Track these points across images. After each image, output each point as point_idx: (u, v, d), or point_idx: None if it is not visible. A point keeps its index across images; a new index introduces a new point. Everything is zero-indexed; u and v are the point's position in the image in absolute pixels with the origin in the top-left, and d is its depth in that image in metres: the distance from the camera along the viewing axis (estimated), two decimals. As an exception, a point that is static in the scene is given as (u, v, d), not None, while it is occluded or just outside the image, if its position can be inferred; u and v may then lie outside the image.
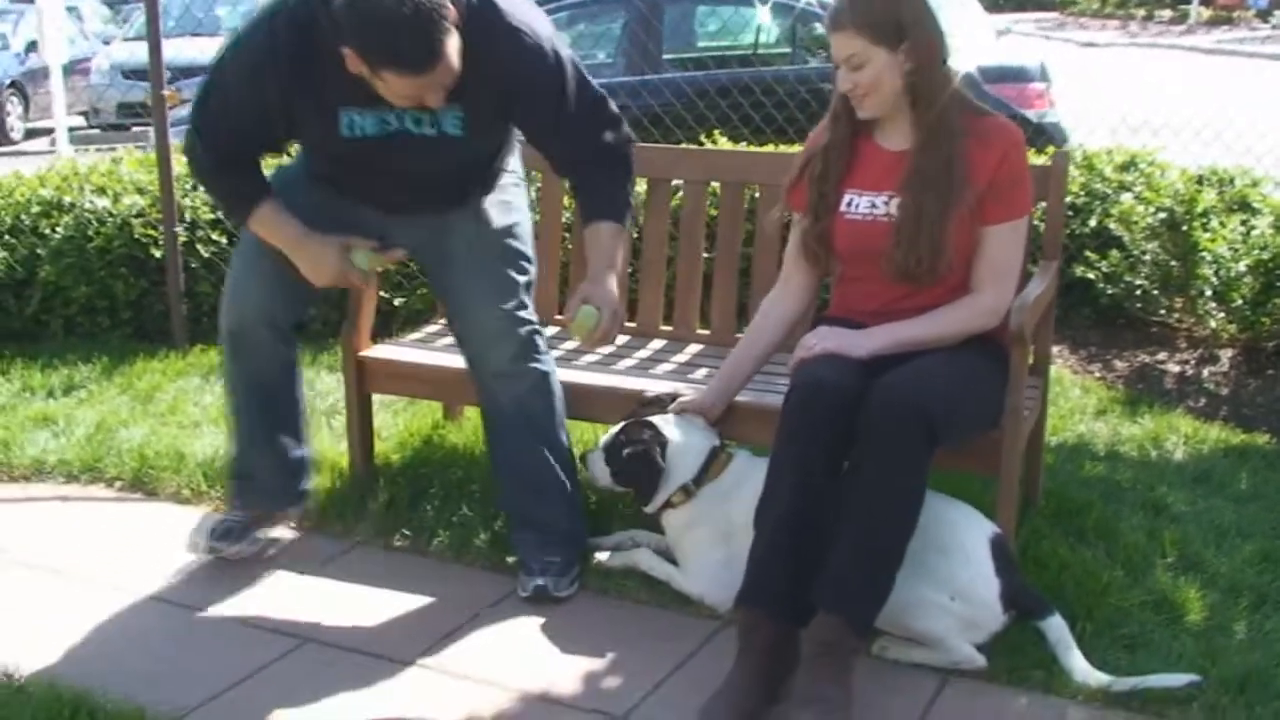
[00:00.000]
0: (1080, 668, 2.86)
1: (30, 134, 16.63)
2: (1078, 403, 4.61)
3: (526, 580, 3.32)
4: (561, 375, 3.55)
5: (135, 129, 12.25)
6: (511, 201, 3.53)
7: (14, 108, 16.68)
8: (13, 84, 16.65)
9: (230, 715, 2.80)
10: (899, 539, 2.80)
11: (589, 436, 4.00)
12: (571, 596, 3.32)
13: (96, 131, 15.29)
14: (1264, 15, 34.74)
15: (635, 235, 4.18)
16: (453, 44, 2.91)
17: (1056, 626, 2.93)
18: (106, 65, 15.05)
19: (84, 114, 15.71)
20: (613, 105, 3.31)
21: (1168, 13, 38.21)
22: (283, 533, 3.67)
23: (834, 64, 3.08)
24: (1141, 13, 39.01)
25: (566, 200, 4.43)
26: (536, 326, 3.45)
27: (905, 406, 2.80)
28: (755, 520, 2.92)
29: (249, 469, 3.56)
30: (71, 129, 12.95)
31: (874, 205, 3.10)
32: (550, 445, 3.45)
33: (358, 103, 3.09)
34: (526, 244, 3.52)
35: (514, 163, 3.59)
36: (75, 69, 14.51)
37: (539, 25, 3.16)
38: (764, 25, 8.50)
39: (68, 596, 3.36)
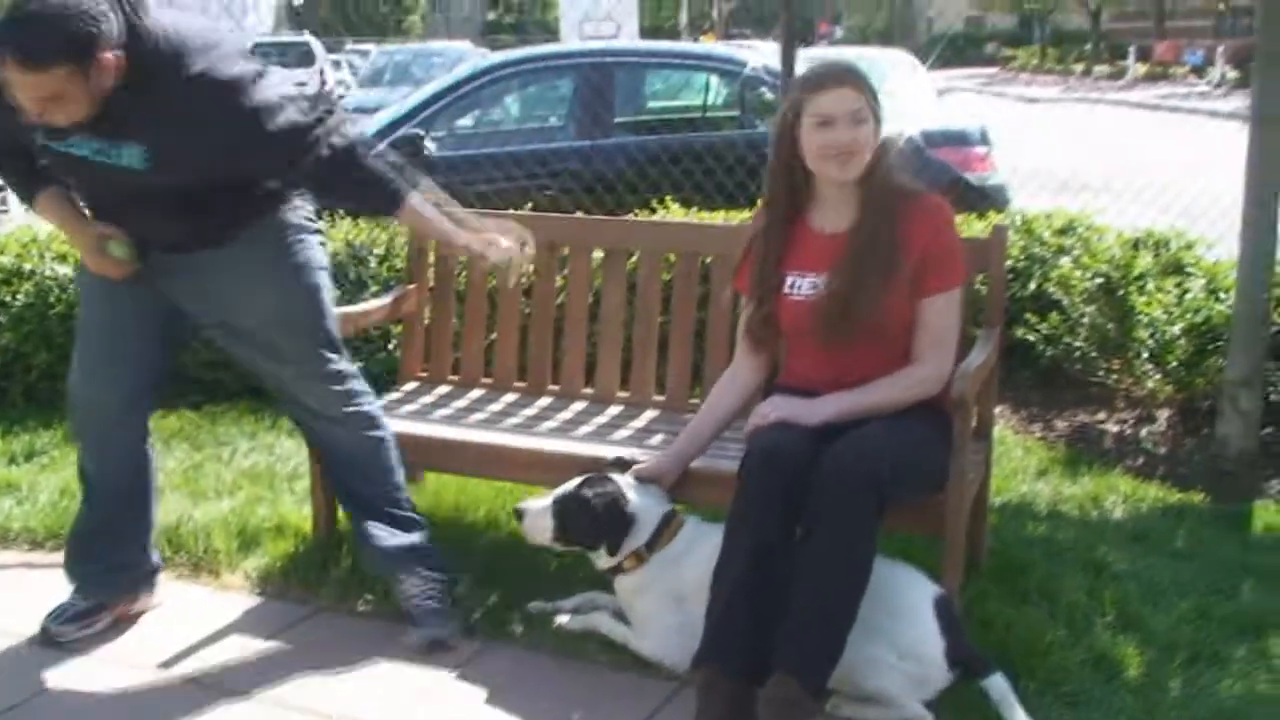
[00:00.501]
0: (1024, 723, 2.98)
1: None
2: (1020, 463, 4.76)
3: (415, 631, 3.49)
4: (519, 442, 3.69)
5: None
6: (304, 245, 3.53)
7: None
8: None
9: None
10: (851, 601, 2.92)
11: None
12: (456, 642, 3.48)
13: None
14: (1199, 71, 35.56)
15: (592, 301, 4.30)
16: (67, 72, 2.89)
17: (998, 685, 3.04)
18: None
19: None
20: (315, 128, 3.24)
21: (1105, 68, 39.06)
22: (240, 599, 3.76)
23: (824, 121, 3.16)
24: (1080, 68, 39.84)
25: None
26: (347, 370, 3.62)
27: (854, 474, 2.94)
28: (713, 581, 3.04)
29: (92, 554, 3.63)
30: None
31: (815, 285, 3.25)
32: (384, 477, 3.66)
33: None
34: (325, 293, 3.57)
35: (299, 210, 3.56)
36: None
37: (222, 66, 3.13)
38: (712, 88, 8.67)
39: (25, 662, 3.43)
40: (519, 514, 3.48)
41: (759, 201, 3.51)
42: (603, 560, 3.39)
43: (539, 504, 3.44)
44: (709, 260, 4.12)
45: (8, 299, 5.55)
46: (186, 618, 3.66)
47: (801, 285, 3.28)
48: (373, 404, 3.69)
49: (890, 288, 3.17)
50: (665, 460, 3.48)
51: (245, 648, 3.50)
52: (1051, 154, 8.44)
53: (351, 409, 3.61)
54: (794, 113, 3.22)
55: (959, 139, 8.05)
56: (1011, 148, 8.44)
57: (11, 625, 3.63)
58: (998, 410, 5.23)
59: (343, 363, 3.61)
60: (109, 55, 2.95)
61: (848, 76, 3.20)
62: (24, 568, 4.03)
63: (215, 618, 3.67)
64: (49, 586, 3.70)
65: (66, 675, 3.38)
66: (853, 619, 2.91)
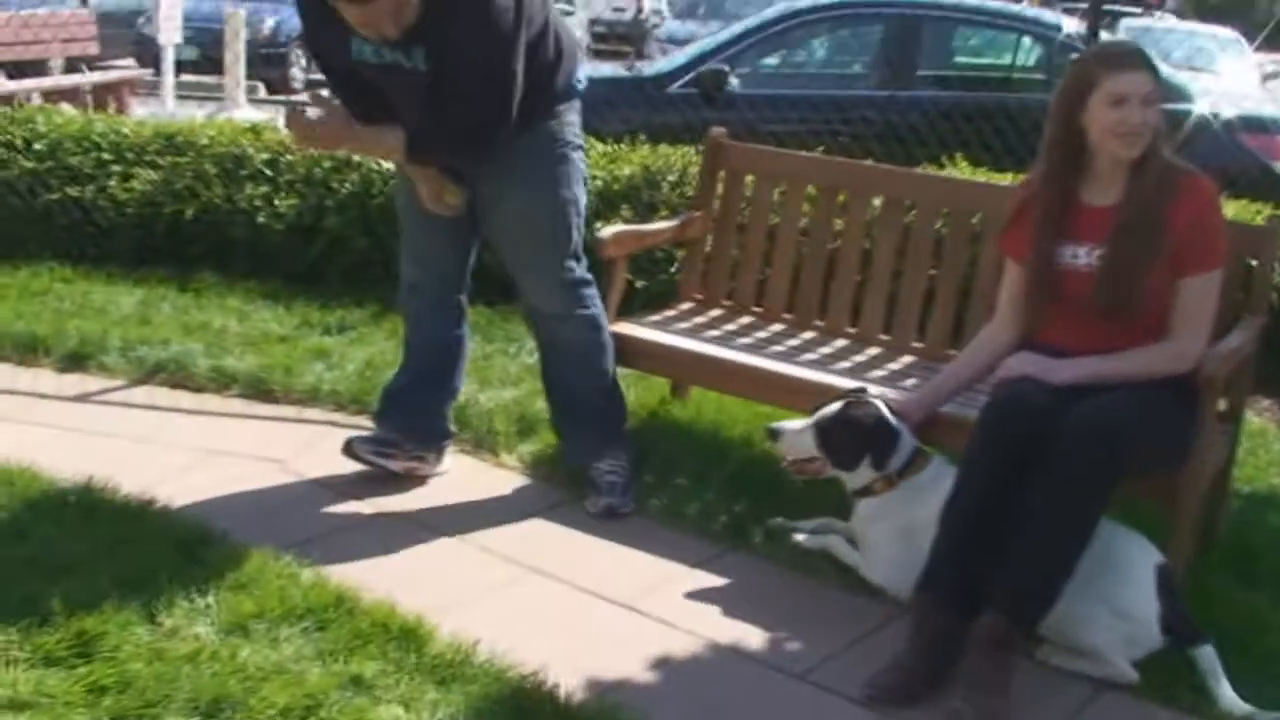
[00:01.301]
0: (1228, 695, 3.08)
1: (312, 84, 17.66)
2: (1275, 456, 4.74)
3: (596, 499, 3.96)
4: (780, 368, 3.96)
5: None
6: (561, 156, 3.89)
7: (299, 59, 17.74)
8: (300, 36, 17.72)
9: (462, 623, 3.26)
10: (1072, 555, 3.08)
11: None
12: (630, 513, 3.94)
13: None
14: None
15: (866, 248, 4.50)
16: None
17: (1208, 656, 3.15)
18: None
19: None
20: (499, 116, 3.60)
21: None
22: (513, 478, 4.19)
23: (1117, 100, 3.28)
24: None
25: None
26: (583, 277, 3.98)
27: (1097, 435, 3.09)
28: (941, 517, 3.24)
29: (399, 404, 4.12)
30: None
31: (1080, 255, 3.37)
32: (596, 376, 4.08)
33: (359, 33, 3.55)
34: (575, 206, 3.92)
35: (567, 126, 3.92)
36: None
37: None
38: (1022, 49, 8.63)
39: (320, 503, 3.93)
40: (774, 433, 3.70)
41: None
42: (858, 478, 3.59)
43: (797, 424, 3.67)
44: (979, 218, 4.27)
45: (335, 185, 6.09)
46: (465, 487, 4.09)
47: (1068, 254, 3.40)
48: (599, 309, 4.07)
49: (1151, 262, 3.28)
50: (915, 399, 3.68)
51: (513, 519, 3.90)
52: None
53: (580, 311, 4.00)
54: (1086, 87, 3.33)
55: (1270, 126, 7.82)
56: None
57: (310, 470, 4.14)
58: (1266, 404, 5.22)
59: (579, 270, 3.99)
60: None
61: (1142, 59, 3.32)
62: (328, 425, 4.52)
63: (491, 490, 4.09)
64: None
65: (359, 520, 3.84)
66: (1071, 571, 3.08)
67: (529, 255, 3.95)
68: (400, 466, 4.07)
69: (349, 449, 4.02)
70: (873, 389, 3.80)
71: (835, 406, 3.61)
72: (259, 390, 4.76)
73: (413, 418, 4.10)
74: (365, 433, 4.12)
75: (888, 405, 3.62)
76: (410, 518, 3.88)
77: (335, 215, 6.03)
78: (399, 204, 4.09)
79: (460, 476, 4.17)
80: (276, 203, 6.11)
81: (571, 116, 3.94)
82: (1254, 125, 7.58)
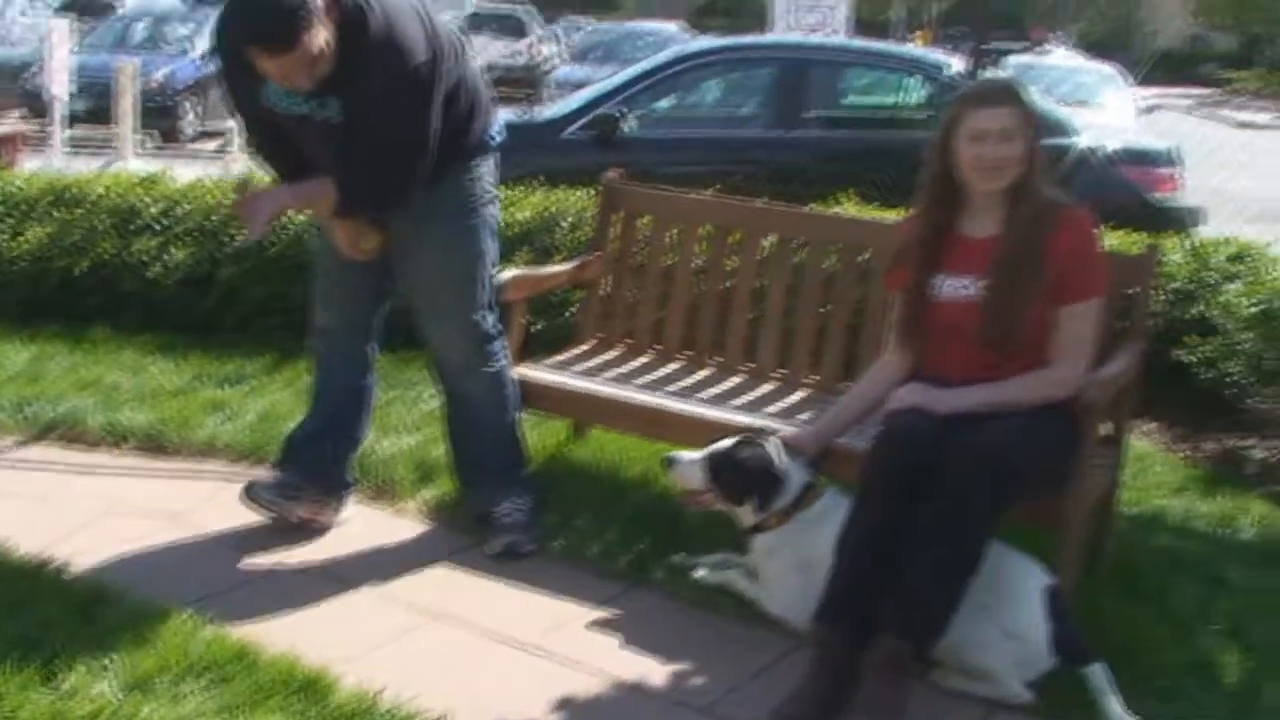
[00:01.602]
0: (1117, 712, 3.16)
1: (200, 135, 17.53)
2: (1160, 478, 4.89)
3: (495, 539, 3.97)
4: (679, 406, 4.01)
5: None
6: (474, 211, 3.96)
7: (190, 110, 17.62)
8: (191, 87, 17.60)
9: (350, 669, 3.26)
10: (963, 580, 3.17)
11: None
12: (532, 553, 3.96)
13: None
14: None
15: (760, 285, 4.59)
16: (312, 35, 3.40)
17: (1099, 674, 3.23)
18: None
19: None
20: (414, 164, 3.68)
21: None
22: (414, 524, 4.20)
23: (975, 136, 3.42)
24: (1307, 94, 38.28)
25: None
26: (490, 331, 4.03)
27: (983, 463, 3.19)
28: (836, 547, 3.32)
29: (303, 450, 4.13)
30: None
31: (964, 287, 3.48)
32: (501, 430, 4.13)
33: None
34: (486, 259, 4.00)
35: (481, 179, 3.98)
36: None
37: (406, 46, 3.55)
38: (908, 89, 8.81)
39: (221, 558, 3.90)
40: (669, 462, 3.75)
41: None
42: (748, 516, 3.66)
43: (691, 455, 3.72)
44: (869, 255, 4.38)
45: (229, 236, 6.07)
46: (367, 535, 4.09)
47: (950, 286, 3.51)
48: (506, 362, 4.12)
49: (1032, 293, 3.39)
50: (810, 433, 3.76)
51: (416, 565, 3.91)
52: (1261, 180, 8.36)
53: (487, 366, 4.05)
54: (953, 123, 3.46)
55: (1148, 158, 8.08)
56: (1219, 172, 8.40)
57: (209, 524, 4.11)
58: (1147, 427, 5.38)
59: (488, 323, 4.04)
60: (325, 19, 3.44)
61: (1005, 95, 3.45)
62: (226, 478, 4.48)
63: (393, 537, 4.09)
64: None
65: (259, 572, 3.83)
66: (962, 595, 3.16)
67: (440, 307, 3.98)
68: (302, 512, 4.06)
69: (250, 494, 4.00)
70: (771, 425, 3.87)
71: (727, 443, 3.68)
72: (154, 445, 4.72)
73: (316, 465, 4.10)
74: (266, 477, 4.10)
75: (783, 441, 3.70)
76: (313, 568, 3.87)
77: (229, 266, 6.00)
78: (314, 247, 4.13)
79: (362, 525, 4.17)
80: (170, 255, 6.07)
81: (485, 170, 4.00)
82: (1133, 158, 7.83)
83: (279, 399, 5.19)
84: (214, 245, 6.07)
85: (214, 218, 6.17)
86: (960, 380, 3.48)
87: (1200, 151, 8.39)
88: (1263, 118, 29.97)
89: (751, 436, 3.71)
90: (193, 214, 6.20)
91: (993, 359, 3.46)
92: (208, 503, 4.27)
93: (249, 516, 4.04)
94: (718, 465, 3.65)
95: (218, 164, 12.45)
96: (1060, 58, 20.98)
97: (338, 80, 3.55)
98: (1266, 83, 38.84)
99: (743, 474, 3.62)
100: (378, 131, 3.61)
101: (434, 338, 4.05)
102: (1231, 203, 9.11)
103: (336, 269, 4.00)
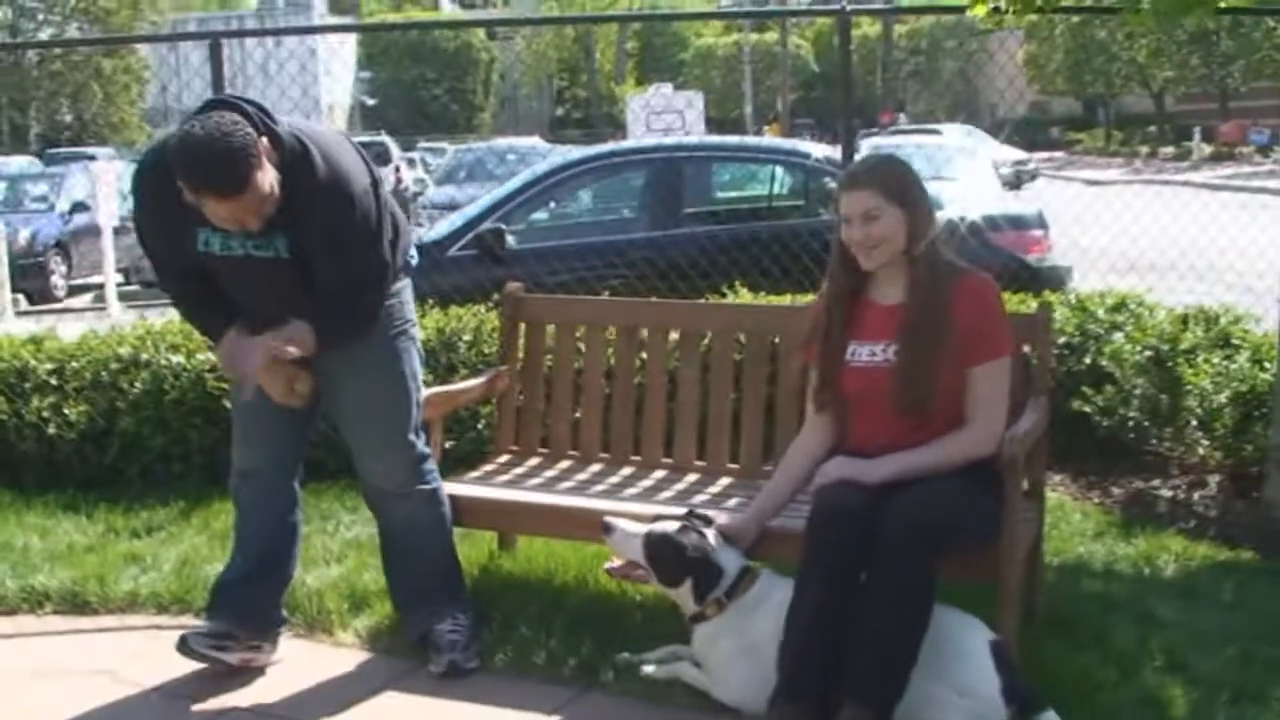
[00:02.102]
0: (1076, 756, 3.25)
1: (72, 291, 17.30)
2: (1077, 526, 5.03)
3: (438, 658, 3.91)
4: (606, 505, 4.03)
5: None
6: (400, 333, 4.00)
7: (58, 266, 17.39)
8: (57, 244, 17.40)
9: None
10: (913, 639, 3.24)
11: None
12: (476, 669, 3.92)
13: (137, 288, 16.01)
14: (1265, 151, 35.56)
15: (669, 381, 4.65)
16: (262, 175, 3.46)
17: (1051, 720, 3.32)
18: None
19: (123, 272, 16.43)
20: (382, 286, 3.81)
21: (1171, 149, 39.10)
22: (352, 655, 4.12)
23: (845, 219, 3.59)
24: (1145, 150, 39.89)
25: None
26: (424, 452, 4.04)
27: (915, 523, 3.27)
28: (786, 625, 3.36)
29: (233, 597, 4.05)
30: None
31: (874, 353, 3.59)
32: (436, 549, 4.10)
33: (208, 224, 3.62)
34: (415, 381, 4.04)
35: (405, 304, 4.05)
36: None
37: (349, 178, 3.65)
38: (777, 179, 9.03)
39: (158, 711, 3.81)
40: (607, 528, 3.75)
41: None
42: (688, 605, 3.68)
43: (632, 526, 3.74)
44: (777, 340, 4.48)
45: (126, 386, 5.99)
46: (307, 671, 4.01)
47: (861, 353, 3.62)
48: (439, 482, 4.13)
49: (941, 356, 3.50)
50: (746, 520, 3.80)
51: (361, 696, 3.85)
52: (1119, 236, 8.71)
53: (421, 486, 4.05)
54: (835, 205, 3.64)
55: (1018, 223, 8.36)
56: (1075, 230, 8.74)
57: (144, 678, 4.00)
58: (1057, 478, 5.53)
59: (420, 445, 4.05)
60: (269, 159, 3.49)
61: (863, 177, 3.61)
62: (154, 629, 4.39)
63: (333, 670, 4.02)
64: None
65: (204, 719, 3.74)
66: (915, 656, 3.22)
67: (373, 434, 3.98)
68: (237, 659, 3.98)
69: (184, 646, 3.91)
70: (709, 512, 3.91)
71: (669, 526, 3.71)
72: (75, 604, 4.59)
73: (247, 609, 4.03)
74: (198, 627, 4.02)
75: (719, 531, 3.73)
76: (258, 711, 3.79)
77: (129, 416, 5.91)
78: (235, 390, 4.06)
79: (299, 661, 4.10)
80: (66, 411, 5.97)
81: (407, 294, 4.05)
82: (1004, 224, 8.09)
83: (196, 544, 5.10)
84: (111, 397, 5.97)
85: (105, 372, 6.08)
86: (881, 447, 3.56)
87: (1058, 211, 8.72)
88: (1109, 174, 31.15)
89: (693, 523, 3.74)
90: (85, 369, 6.10)
91: (910, 423, 3.56)
92: (139, 656, 4.17)
93: (184, 666, 3.95)
94: (657, 546, 3.67)
95: (98, 317, 12.28)
96: (948, 136, 21.64)
97: (283, 217, 3.58)
98: (1109, 141, 40.28)
99: (679, 559, 3.64)
100: (343, 265, 3.67)
101: (370, 464, 4.03)
102: (1093, 258, 9.45)
103: (257, 408, 3.95)
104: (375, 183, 3.73)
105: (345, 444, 4.09)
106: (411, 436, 3.98)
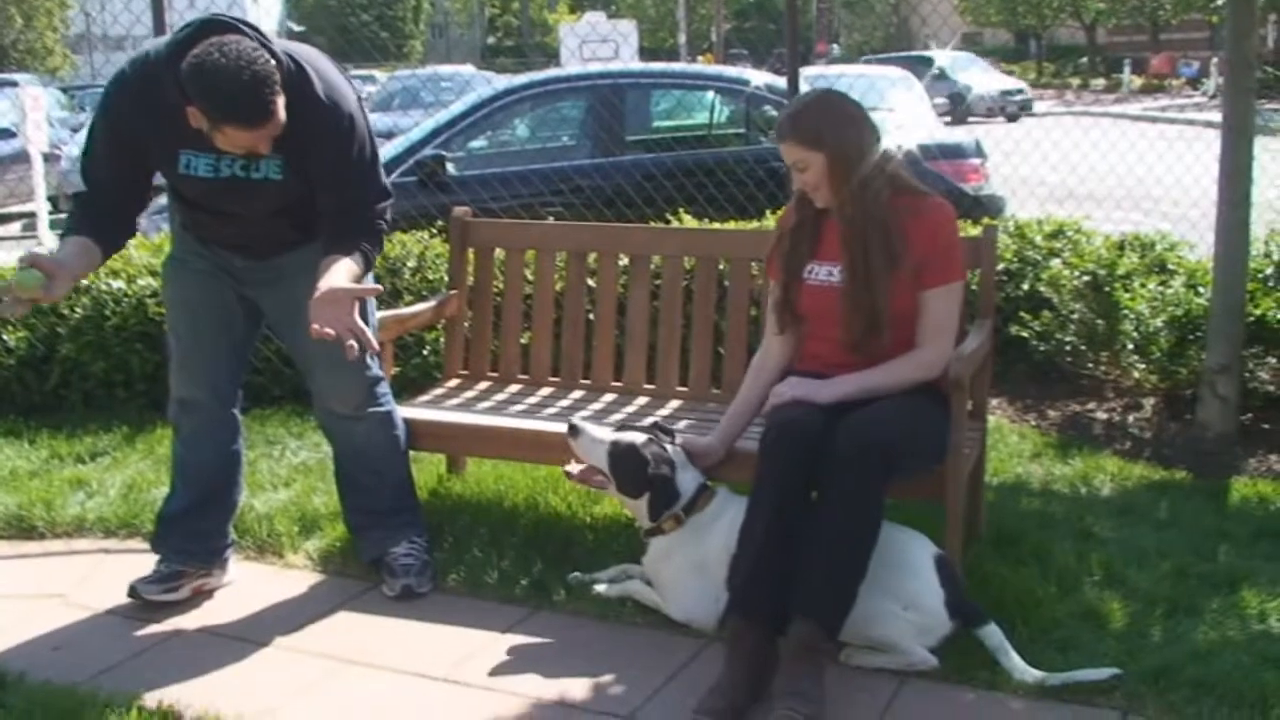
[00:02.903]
0: (1018, 666, 3.33)
1: (-1, 219, 16.95)
2: (1015, 448, 5.13)
3: (392, 581, 3.97)
4: (557, 427, 4.05)
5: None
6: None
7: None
8: (-18, 172, 16.99)
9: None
10: (861, 555, 3.30)
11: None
12: (430, 592, 3.97)
13: (64, 216, 15.72)
14: (1194, 83, 35.97)
15: (619, 306, 4.68)
16: (282, 102, 3.45)
17: (993, 633, 3.40)
18: (76, 152, 15.44)
19: (51, 200, 16.10)
20: (387, 201, 3.82)
21: (1102, 82, 39.43)
22: (304, 576, 4.16)
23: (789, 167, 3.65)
24: (1076, 82, 40.20)
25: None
26: (378, 374, 4.05)
27: (865, 443, 3.32)
28: (739, 543, 3.42)
29: (178, 530, 4.05)
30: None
31: (831, 273, 3.63)
32: (391, 471, 4.13)
33: (193, 147, 3.60)
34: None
35: None
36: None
37: (345, 98, 3.68)
38: (718, 106, 9.03)
39: (115, 629, 3.81)
40: (574, 429, 3.74)
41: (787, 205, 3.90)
42: (643, 519, 3.73)
43: (599, 432, 3.75)
44: (724, 266, 4.51)
45: (66, 312, 5.93)
46: (260, 593, 4.04)
47: (819, 272, 3.67)
48: (394, 405, 4.13)
49: (893, 278, 3.55)
50: (712, 442, 3.84)
51: (315, 616, 3.88)
52: (1052, 167, 8.83)
53: (376, 409, 4.05)
54: None
55: (954, 152, 8.43)
56: (1015, 159, 8.84)
57: (93, 601, 4.00)
58: (995, 402, 5.62)
59: (375, 367, 4.04)
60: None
61: (784, 128, 3.63)
62: (101, 553, 4.40)
63: (286, 592, 4.05)
64: (125, 568, 4.08)
65: (158, 641, 3.75)
66: (863, 572, 3.28)
67: (334, 356, 3.92)
68: (189, 591, 4.00)
69: (134, 594, 3.92)
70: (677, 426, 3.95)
71: (637, 437, 3.73)
72: (22, 529, 4.59)
73: (194, 541, 4.02)
74: (145, 575, 3.99)
75: (686, 446, 3.78)
76: (211, 631, 3.81)
77: (69, 342, 5.86)
78: (171, 318, 4.02)
79: (252, 583, 4.12)
80: (5, 337, 5.90)
81: None
82: (941, 152, 8.15)
83: (141, 469, 5.09)
84: (51, 323, 5.92)
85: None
86: (835, 366, 3.62)
87: (990, 141, 8.82)
88: (1040, 106, 31.37)
89: (658, 436, 3.78)
90: (23, 294, 6.02)
91: (861, 343, 3.60)
92: (88, 580, 4.17)
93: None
94: (621, 455, 3.69)
95: (30, 244, 12.09)
96: (850, 66, 21.52)
97: (282, 140, 3.54)
98: (1040, 73, 40.50)
99: (642, 472, 3.67)
100: (360, 183, 3.71)
101: (326, 388, 4.01)
102: (1025, 187, 9.56)
103: (192, 336, 3.93)
104: (359, 98, 3.73)
105: (300, 366, 4.07)
106: (369, 358, 3.98)
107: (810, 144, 3.57)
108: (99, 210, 3.71)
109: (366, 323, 3.82)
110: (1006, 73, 37.35)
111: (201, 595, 4.01)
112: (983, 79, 32.87)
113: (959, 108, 28.57)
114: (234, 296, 3.95)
